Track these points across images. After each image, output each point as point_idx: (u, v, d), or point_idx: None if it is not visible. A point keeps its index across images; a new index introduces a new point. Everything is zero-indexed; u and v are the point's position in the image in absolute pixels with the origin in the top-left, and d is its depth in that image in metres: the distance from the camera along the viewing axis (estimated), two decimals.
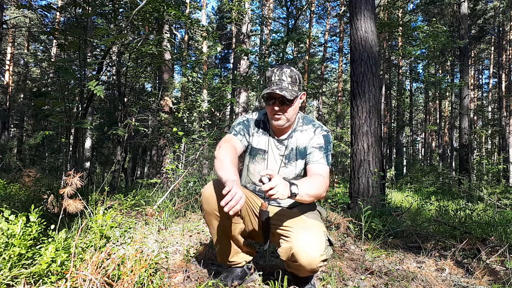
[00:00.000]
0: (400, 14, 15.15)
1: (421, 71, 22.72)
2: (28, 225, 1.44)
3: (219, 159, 1.53)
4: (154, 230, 2.62)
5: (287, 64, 1.67)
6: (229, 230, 1.64)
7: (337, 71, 21.48)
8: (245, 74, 10.53)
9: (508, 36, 20.18)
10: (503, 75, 20.06)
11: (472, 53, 22.14)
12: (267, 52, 9.80)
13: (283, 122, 1.64)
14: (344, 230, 2.91)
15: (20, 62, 19.06)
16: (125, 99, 6.44)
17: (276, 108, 1.59)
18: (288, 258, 1.52)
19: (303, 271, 1.55)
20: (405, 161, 21.11)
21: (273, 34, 19.23)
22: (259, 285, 1.77)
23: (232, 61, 18.21)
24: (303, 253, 1.45)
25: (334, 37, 22.29)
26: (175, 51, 12.37)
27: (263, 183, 1.32)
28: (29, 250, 1.39)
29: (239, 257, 1.74)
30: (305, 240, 1.46)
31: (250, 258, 1.79)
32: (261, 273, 1.86)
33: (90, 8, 5.29)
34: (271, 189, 1.30)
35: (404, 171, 18.77)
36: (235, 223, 1.65)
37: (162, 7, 5.54)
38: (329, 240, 1.58)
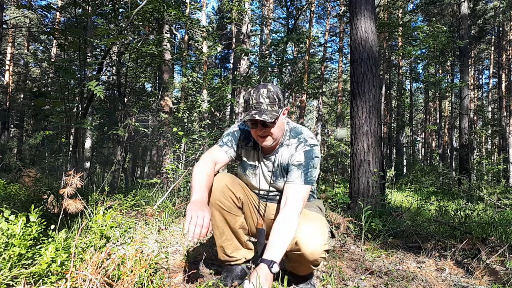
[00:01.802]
0: (400, 14, 15.15)
1: (421, 71, 22.72)
2: (28, 225, 1.44)
3: (193, 177, 1.59)
4: (154, 230, 2.62)
5: (265, 83, 1.66)
6: (230, 223, 1.66)
7: (337, 71, 21.49)
8: (245, 74, 10.52)
9: (508, 36, 20.18)
10: (503, 75, 20.07)
11: (472, 53, 22.15)
12: (267, 52, 9.79)
13: (269, 142, 1.61)
14: (344, 230, 2.91)
15: (20, 62, 19.06)
16: (125, 99, 6.45)
17: (259, 132, 1.57)
18: (291, 248, 1.52)
19: (304, 263, 1.55)
20: (405, 161, 21.11)
21: (273, 34, 19.21)
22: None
23: (232, 61, 18.21)
24: (307, 241, 1.46)
25: (334, 37, 22.30)
26: (175, 51, 12.37)
27: None
28: (29, 250, 1.39)
29: (239, 253, 1.75)
30: (309, 230, 1.48)
31: (250, 256, 1.80)
32: None
33: (90, 8, 5.29)
34: None
35: (404, 171, 18.77)
36: (237, 216, 1.67)
37: (162, 7, 5.54)
38: (331, 232, 1.60)
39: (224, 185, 1.61)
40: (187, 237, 1.35)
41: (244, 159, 1.75)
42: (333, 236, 1.62)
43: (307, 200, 1.81)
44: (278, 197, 1.74)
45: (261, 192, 1.77)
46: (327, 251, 1.51)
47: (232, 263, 1.76)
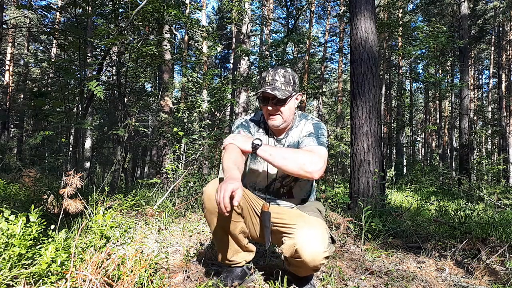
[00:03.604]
0: (400, 14, 15.15)
1: (421, 71, 22.74)
2: (28, 225, 1.44)
3: (222, 162, 1.54)
4: (154, 230, 2.62)
5: (284, 65, 1.68)
6: (230, 228, 1.64)
7: (337, 71, 21.49)
8: (245, 74, 10.52)
9: (508, 36, 20.18)
10: (503, 75, 20.06)
11: (472, 53, 22.14)
12: (267, 52, 9.80)
13: (278, 122, 1.64)
14: (344, 230, 2.91)
15: (20, 62, 19.07)
16: (125, 99, 6.44)
17: (270, 108, 1.60)
18: (291, 255, 1.51)
19: (305, 269, 1.55)
20: (405, 161, 21.09)
21: (273, 34, 19.22)
22: (259, 285, 1.77)
23: (232, 61, 18.21)
24: (306, 249, 1.45)
25: (334, 37, 22.34)
26: (175, 51, 12.37)
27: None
28: (29, 250, 1.39)
29: (239, 256, 1.74)
30: (309, 237, 1.46)
31: (250, 258, 1.79)
32: (261, 273, 1.86)
33: (90, 8, 5.29)
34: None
35: (404, 171, 18.75)
36: (236, 222, 1.65)
37: (162, 7, 5.53)
38: (331, 237, 1.59)
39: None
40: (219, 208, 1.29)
41: None
42: (333, 241, 1.61)
43: (308, 198, 1.80)
44: (283, 195, 1.74)
45: (269, 181, 1.73)
46: (327, 257, 1.50)
47: (232, 265, 1.76)
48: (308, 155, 1.48)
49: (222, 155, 1.61)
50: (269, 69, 1.66)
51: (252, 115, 1.82)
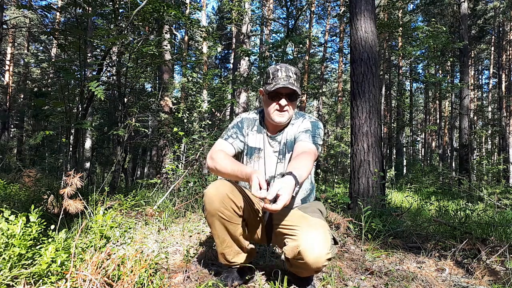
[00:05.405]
0: (400, 15, 15.15)
1: (421, 71, 22.75)
2: (28, 225, 1.44)
3: (219, 161, 1.59)
4: (154, 230, 2.62)
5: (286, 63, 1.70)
6: (231, 230, 1.64)
7: (337, 71, 21.50)
8: (245, 74, 10.52)
9: (508, 36, 20.19)
10: (503, 75, 20.08)
11: (472, 53, 22.15)
12: (267, 53, 9.80)
13: (285, 118, 1.68)
14: (344, 230, 2.91)
15: (20, 62, 19.08)
16: (125, 100, 6.44)
17: (283, 103, 1.63)
18: (294, 257, 1.51)
19: (307, 270, 1.54)
20: (405, 161, 21.09)
21: (273, 34, 19.22)
22: (259, 285, 1.77)
23: (232, 61, 18.21)
24: (309, 251, 1.44)
25: (334, 37, 22.34)
26: (175, 51, 12.37)
27: (267, 206, 1.28)
28: (29, 250, 1.39)
29: (240, 257, 1.74)
30: (312, 239, 1.46)
31: (251, 258, 1.79)
32: (261, 273, 1.86)
33: (90, 8, 5.28)
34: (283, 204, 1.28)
35: (404, 171, 18.75)
36: (237, 224, 1.65)
37: (162, 7, 5.53)
38: (334, 239, 1.59)
39: (224, 194, 1.59)
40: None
41: (250, 144, 1.79)
42: (335, 243, 1.61)
43: (308, 198, 1.80)
44: None
45: (267, 179, 1.74)
46: (330, 259, 1.50)
47: (233, 266, 1.76)
48: (309, 161, 1.52)
49: (212, 160, 1.64)
50: (277, 65, 1.67)
51: (249, 113, 1.86)
